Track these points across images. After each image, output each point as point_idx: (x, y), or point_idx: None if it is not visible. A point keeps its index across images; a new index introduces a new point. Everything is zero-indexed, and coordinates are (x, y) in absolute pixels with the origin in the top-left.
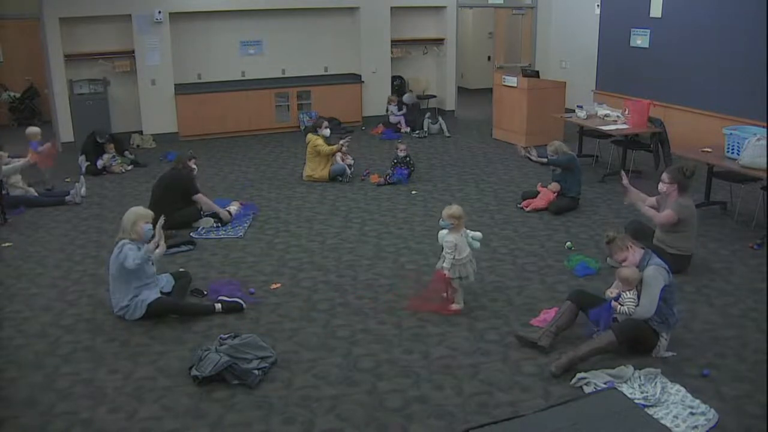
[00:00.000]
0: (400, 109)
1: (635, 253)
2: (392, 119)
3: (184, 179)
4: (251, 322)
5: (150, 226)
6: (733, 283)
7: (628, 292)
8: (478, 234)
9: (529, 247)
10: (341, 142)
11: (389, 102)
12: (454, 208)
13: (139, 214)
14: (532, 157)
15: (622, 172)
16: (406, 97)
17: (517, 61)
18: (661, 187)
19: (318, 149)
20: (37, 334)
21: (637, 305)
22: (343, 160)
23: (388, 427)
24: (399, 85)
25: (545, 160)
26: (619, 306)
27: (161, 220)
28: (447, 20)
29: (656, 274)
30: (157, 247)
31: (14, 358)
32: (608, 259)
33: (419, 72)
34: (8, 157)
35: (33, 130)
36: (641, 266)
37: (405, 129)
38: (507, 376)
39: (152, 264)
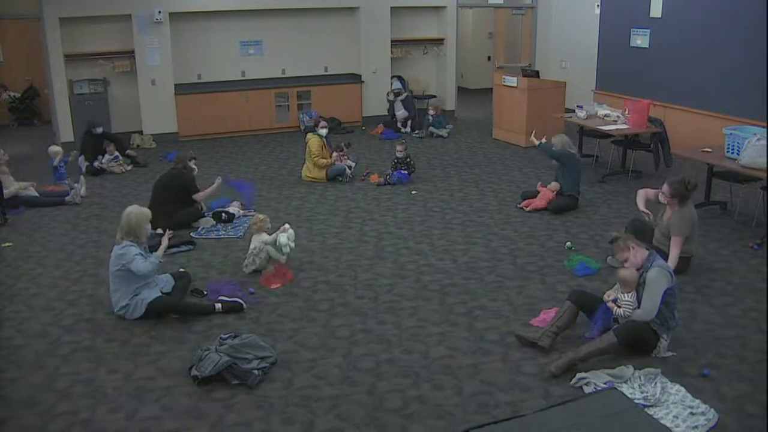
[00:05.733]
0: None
1: (638, 254)
2: (399, 114)
3: (184, 178)
4: (251, 322)
5: (149, 226)
6: (733, 283)
7: (625, 294)
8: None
9: (529, 247)
10: (332, 158)
11: (395, 96)
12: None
13: (144, 214)
14: (534, 139)
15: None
16: (395, 85)
17: (517, 61)
18: (662, 198)
19: (313, 159)
20: (37, 334)
21: (637, 307)
22: (341, 161)
23: (388, 427)
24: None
25: (538, 142)
26: (616, 308)
27: (168, 234)
28: (447, 20)
29: (659, 276)
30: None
31: (14, 358)
32: (608, 258)
33: (419, 72)
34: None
35: (55, 149)
36: (645, 268)
37: (405, 129)
38: (507, 376)
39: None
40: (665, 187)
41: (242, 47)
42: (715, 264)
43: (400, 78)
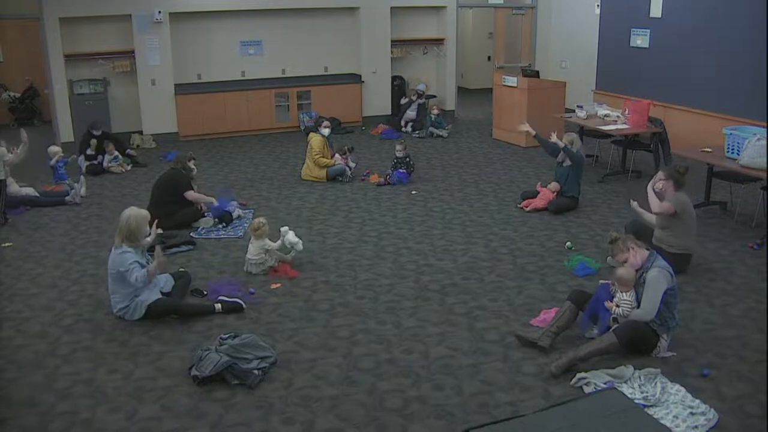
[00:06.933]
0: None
1: (638, 254)
2: (409, 113)
3: (177, 177)
4: (251, 322)
5: (148, 228)
6: (733, 283)
7: (624, 294)
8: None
9: (529, 247)
10: (335, 158)
11: (418, 96)
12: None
13: (143, 216)
14: (552, 138)
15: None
16: (420, 86)
17: (517, 61)
18: (659, 184)
19: (314, 157)
20: (37, 334)
21: (636, 307)
22: (343, 162)
23: (388, 427)
24: (399, 85)
25: (562, 144)
26: (614, 307)
27: (158, 233)
28: (447, 20)
29: (659, 276)
30: (158, 267)
31: (14, 358)
32: (608, 258)
33: (419, 72)
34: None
35: (54, 149)
36: (645, 268)
37: (406, 129)
38: (507, 376)
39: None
40: (659, 173)
41: (242, 47)
42: (715, 264)
43: (401, 78)
